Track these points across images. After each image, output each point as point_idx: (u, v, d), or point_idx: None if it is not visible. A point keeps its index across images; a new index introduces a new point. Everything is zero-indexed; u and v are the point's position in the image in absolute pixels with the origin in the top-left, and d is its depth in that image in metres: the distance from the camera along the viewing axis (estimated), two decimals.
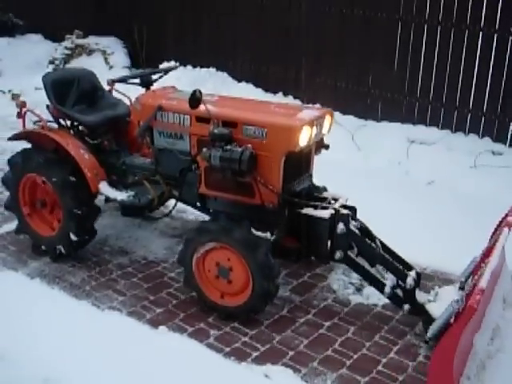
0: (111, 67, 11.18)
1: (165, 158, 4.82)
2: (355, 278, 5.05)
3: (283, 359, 4.17)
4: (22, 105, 5.25)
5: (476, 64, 7.80)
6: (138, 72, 5.21)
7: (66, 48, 11.78)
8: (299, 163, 4.59)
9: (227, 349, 4.26)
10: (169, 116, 4.63)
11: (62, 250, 5.20)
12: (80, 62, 11.04)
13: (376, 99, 8.58)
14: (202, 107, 4.33)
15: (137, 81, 5.10)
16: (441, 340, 3.58)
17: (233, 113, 4.46)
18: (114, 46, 11.58)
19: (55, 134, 5.11)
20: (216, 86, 9.47)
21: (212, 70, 10.10)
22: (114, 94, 5.67)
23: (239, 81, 9.83)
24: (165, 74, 5.27)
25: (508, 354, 3.98)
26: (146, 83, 5.09)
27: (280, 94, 9.44)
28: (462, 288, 4.35)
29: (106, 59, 11.33)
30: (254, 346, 4.31)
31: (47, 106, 5.26)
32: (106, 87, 5.66)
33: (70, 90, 5.38)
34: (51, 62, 11.72)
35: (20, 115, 5.27)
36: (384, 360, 4.20)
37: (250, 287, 4.34)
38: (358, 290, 4.99)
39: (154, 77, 5.18)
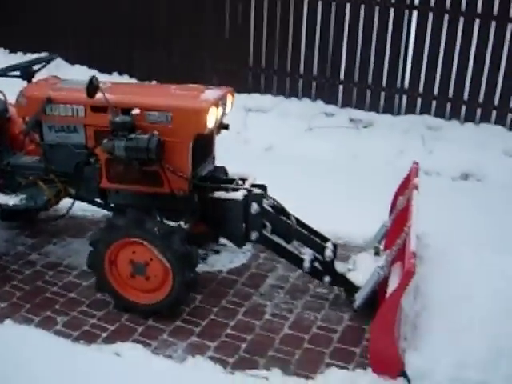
0: None
1: (57, 153, 4.47)
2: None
3: (133, 336, 4.15)
4: None
5: (303, 30, 8.11)
6: (16, 64, 4.78)
7: None
8: (203, 146, 4.46)
9: (76, 333, 4.18)
10: (60, 108, 4.31)
11: None
12: None
13: (210, 71, 8.53)
14: (97, 96, 4.06)
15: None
16: (381, 306, 3.63)
17: (133, 99, 4.23)
18: None
19: None
20: (50, 70, 8.87)
21: (44, 54, 9.52)
22: None
23: (73, 64, 9.39)
24: (47, 63, 4.92)
25: (431, 310, 4.09)
26: (27, 75, 4.69)
27: (116, 74, 9.17)
28: (377, 253, 4.46)
29: None
30: (102, 326, 4.26)
31: None
32: None
33: None
34: None
35: None
36: (232, 323, 4.30)
37: (170, 279, 4.16)
38: (203, 259, 5.01)
39: (35, 67, 4.80)
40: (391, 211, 4.67)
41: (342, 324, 4.33)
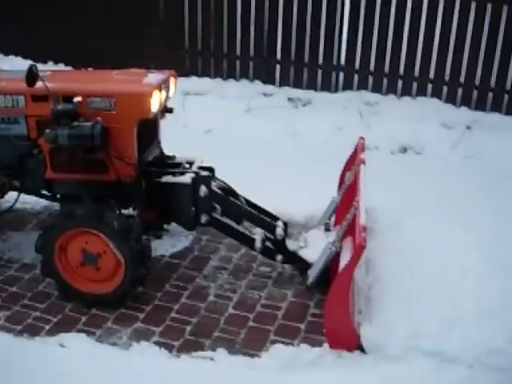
0: None
1: None
2: None
3: (77, 326, 4.12)
4: None
5: (238, 12, 8.10)
6: None
7: None
8: (148, 131, 4.40)
9: (19, 327, 4.11)
10: None
11: None
12: None
13: (148, 57, 8.32)
14: (37, 84, 3.96)
15: None
16: (334, 281, 3.67)
17: (74, 86, 4.15)
18: None
19: None
20: None
21: None
22: None
23: (7, 54, 9.13)
24: None
25: (383, 282, 4.17)
26: None
27: (51, 63, 8.97)
28: (327, 229, 4.50)
29: None
30: (46, 318, 4.20)
31: None
32: None
33: None
34: None
35: None
36: (176, 307, 4.30)
37: (121, 273, 4.10)
38: None
39: None
40: (339, 187, 4.71)
41: (285, 301, 4.37)
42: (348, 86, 7.95)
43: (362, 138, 4.68)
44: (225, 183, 4.51)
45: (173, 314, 4.22)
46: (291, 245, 4.42)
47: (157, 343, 3.93)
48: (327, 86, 8.01)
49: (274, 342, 3.94)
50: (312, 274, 4.16)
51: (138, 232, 4.06)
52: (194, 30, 8.36)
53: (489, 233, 4.92)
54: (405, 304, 3.96)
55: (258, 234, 4.41)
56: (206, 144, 6.80)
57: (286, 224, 4.47)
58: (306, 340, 3.95)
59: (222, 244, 5.02)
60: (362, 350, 3.76)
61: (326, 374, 3.60)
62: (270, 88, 8.12)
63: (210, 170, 4.53)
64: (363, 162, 4.32)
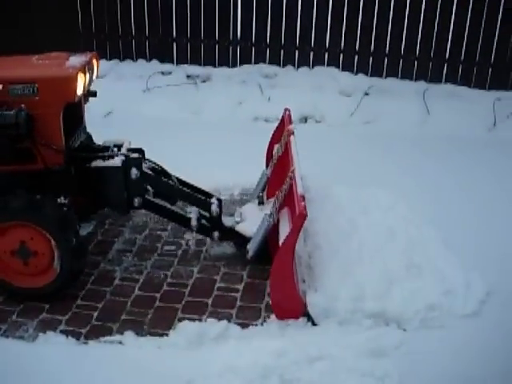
0: None
1: None
2: None
3: None
4: None
5: None
6: None
7: None
8: (73, 116, 4.24)
9: None
10: None
11: None
12: None
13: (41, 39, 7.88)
14: None
15: None
16: (278, 252, 3.68)
17: None
18: None
19: None
20: None
21: None
22: None
23: None
24: None
25: (322, 249, 4.25)
26: None
27: None
28: (261, 202, 4.52)
29: None
30: None
31: None
32: None
33: None
34: None
35: None
36: (82, 293, 4.20)
37: (56, 266, 3.95)
38: None
39: None
40: (267, 159, 4.73)
41: (192, 278, 4.35)
42: (246, 60, 7.98)
43: (287, 109, 4.71)
44: (155, 164, 4.43)
45: (78, 301, 4.12)
46: (227, 220, 4.42)
47: (63, 332, 3.82)
48: (225, 61, 8.03)
49: (181, 319, 3.91)
50: (251, 247, 4.17)
51: (76, 225, 3.94)
52: (87, 11, 8.15)
53: (404, 191, 5.16)
54: (345, 267, 4.05)
55: (192, 212, 4.36)
56: (107, 127, 6.64)
57: (220, 200, 4.43)
58: (212, 314, 3.96)
59: (126, 227, 4.95)
60: (308, 318, 3.81)
61: (233, 345, 3.63)
62: (167, 66, 8.09)
63: (140, 151, 4.43)
64: (292, 133, 4.37)
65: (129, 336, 3.76)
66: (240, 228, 4.35)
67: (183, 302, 4.09)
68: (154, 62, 8.14)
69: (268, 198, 4.58)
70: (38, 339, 3.76)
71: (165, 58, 8.10)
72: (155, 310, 4.03)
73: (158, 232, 4.76)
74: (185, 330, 3.77)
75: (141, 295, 4.17)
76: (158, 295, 4.16)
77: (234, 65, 8.02)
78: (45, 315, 3.99)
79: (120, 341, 3.73)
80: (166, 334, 3.78)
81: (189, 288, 4.24)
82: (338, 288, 3.89)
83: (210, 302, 4.10)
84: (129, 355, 3.62)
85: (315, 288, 3.90)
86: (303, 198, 3.65)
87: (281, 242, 3.72)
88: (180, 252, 4.64)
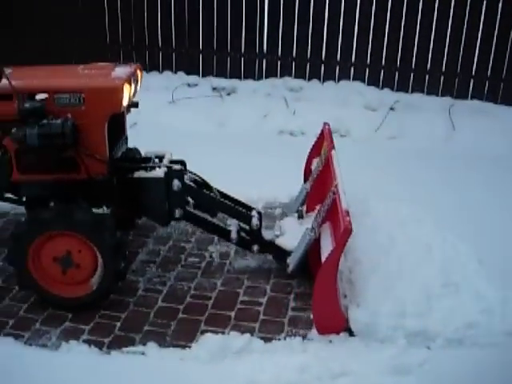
0: None
1: None
2: None
3: (4, 330, 3.96)
4: None
5: (159, 2, 8.06)
6: None
7: None
8: (116, 126, 4.25)
9: None
10: None
11: None
12: None
13: (70, 49, 8.16)
14: (1, 82, 3.74)
15: None
16: (321, 268, 3.67)
17: (41, 83, 3.94)
18: None
19: None
20: None
21: None
22: None
23: None
24: None
25: (363, 264, 4.22)
26: None
27: None
28: (300, 216, 4.51)
29: None
30: None
31: None
32: None
33: None
34: None
35: None
36: (105, 302, 4.14)
37: (100, 270, 3.96)
38: None
39: None
40: (305, 174, 4.72)
41: (215, 291, 4.34)
42: (271, 73, 8.01)
43: (326, 123, 4.71)
44: (197, 175, 4.43)
45: (102, 311, 4.11)
46: (267, 234, 4.41)
47: (86, 341, 3.82)
48: (251, 74, 8.05)
49: (204, 332, 3.90)
50: (292, 261, 4.17)
51: (112, 227, 3.91)
52: (115, 23, 8.21)
53: (436, 206, 5.16)
54: (386, 283, 4.03)
55: (232, 225, 4.36)
56: (132, 138, 6.65)
57: (260, 213, 4.43)
58: (235, 328, 3.95)
59: (150, 238, 4.96)
60: (350, 333, 3.80)
61: (256, 359, 3.63)
62: (193, 78, 8.13)
63: (182, 163, 4.43)
64: (333, 148, 4.36)
65: (151, 347, 3.77)
66: (280, 241, 4.34)
67: (206, 315, 4.09)
68: (180, 73, 8.19)
69: (307, 212, 4.57)
70: (61, 348, 3.77)
71: (191, 70, 8.14)
72: (178, 321, 4.03)
73: (182, 244, 4.77)
74: (207, 342, 3.76)
75: (164, 306, 4.17)
76: (181, 307, 4.16)
77: (260, 78, 8.04)
78: (68, 324, 4.00)
79: (143, 352, 3.74)
80: (189, 346, 3.78)
81: (212, 300, 4.24)
82: (379, 304, 3.87)
83: (232, 315, 4.09)
84: (151, 366, 3.62)
85: (357, 303, 3.88)
86: (348, 213, 3.64)
87: (324, 257, 3.71)
88: (204, 264, 4.64)
